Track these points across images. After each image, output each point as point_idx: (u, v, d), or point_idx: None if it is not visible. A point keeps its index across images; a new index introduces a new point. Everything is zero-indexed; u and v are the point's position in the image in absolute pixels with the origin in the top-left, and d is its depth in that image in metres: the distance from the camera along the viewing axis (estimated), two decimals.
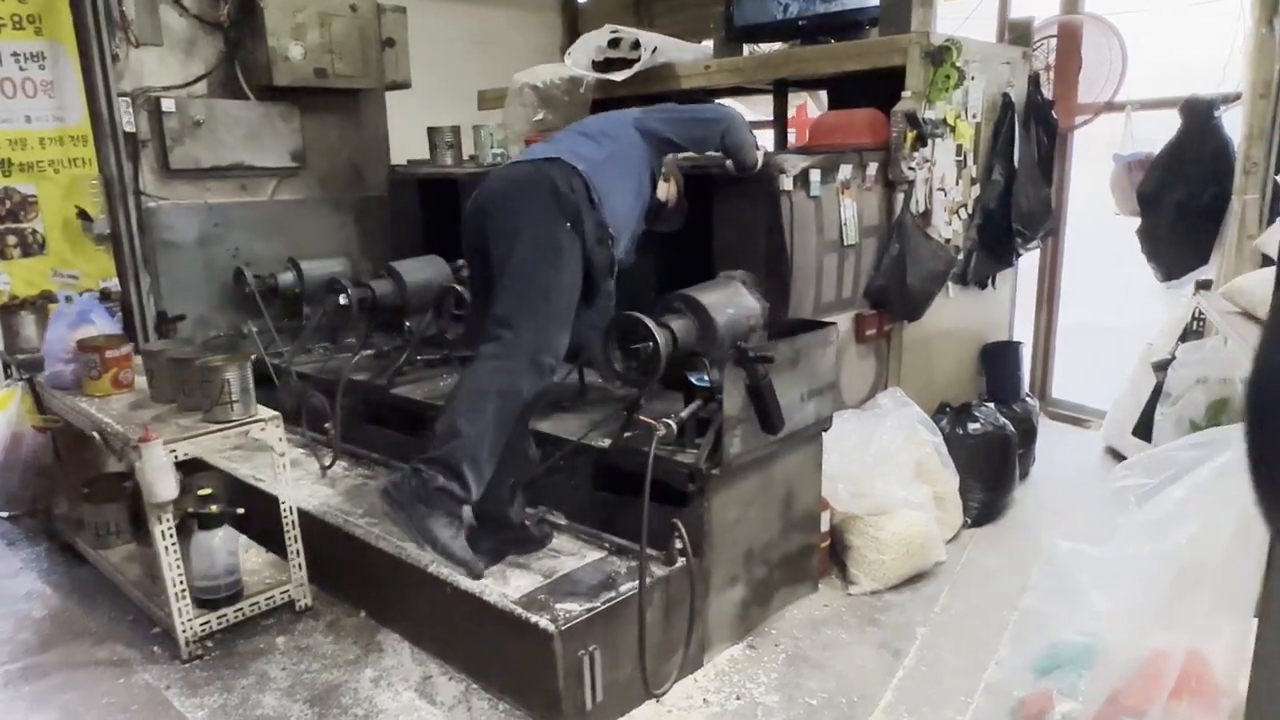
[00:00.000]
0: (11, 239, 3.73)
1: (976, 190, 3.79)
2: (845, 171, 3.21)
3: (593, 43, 4.36)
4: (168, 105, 3.87)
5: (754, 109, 5.37)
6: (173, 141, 3.91)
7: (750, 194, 3.00)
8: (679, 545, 2.48)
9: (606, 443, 2.70)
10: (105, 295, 3.80)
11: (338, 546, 2.96)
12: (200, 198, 4.10)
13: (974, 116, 3.68)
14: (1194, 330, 3.70)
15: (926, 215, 3.49)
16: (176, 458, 2.56)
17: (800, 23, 3.75)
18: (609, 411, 2.95)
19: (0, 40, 3.60)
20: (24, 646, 2.84)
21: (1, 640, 2.87)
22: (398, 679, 2.60)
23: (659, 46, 4.15)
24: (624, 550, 2.64)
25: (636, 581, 2.46)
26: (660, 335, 2.39)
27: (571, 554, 2.68)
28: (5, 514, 3.70)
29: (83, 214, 3.77)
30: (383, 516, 2.46)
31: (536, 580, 2.51)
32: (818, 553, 3.09)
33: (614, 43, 4.31)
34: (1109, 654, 1.48)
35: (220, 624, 2.78)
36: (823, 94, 4.76)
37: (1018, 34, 4.05)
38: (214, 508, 2.76)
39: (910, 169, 3.32)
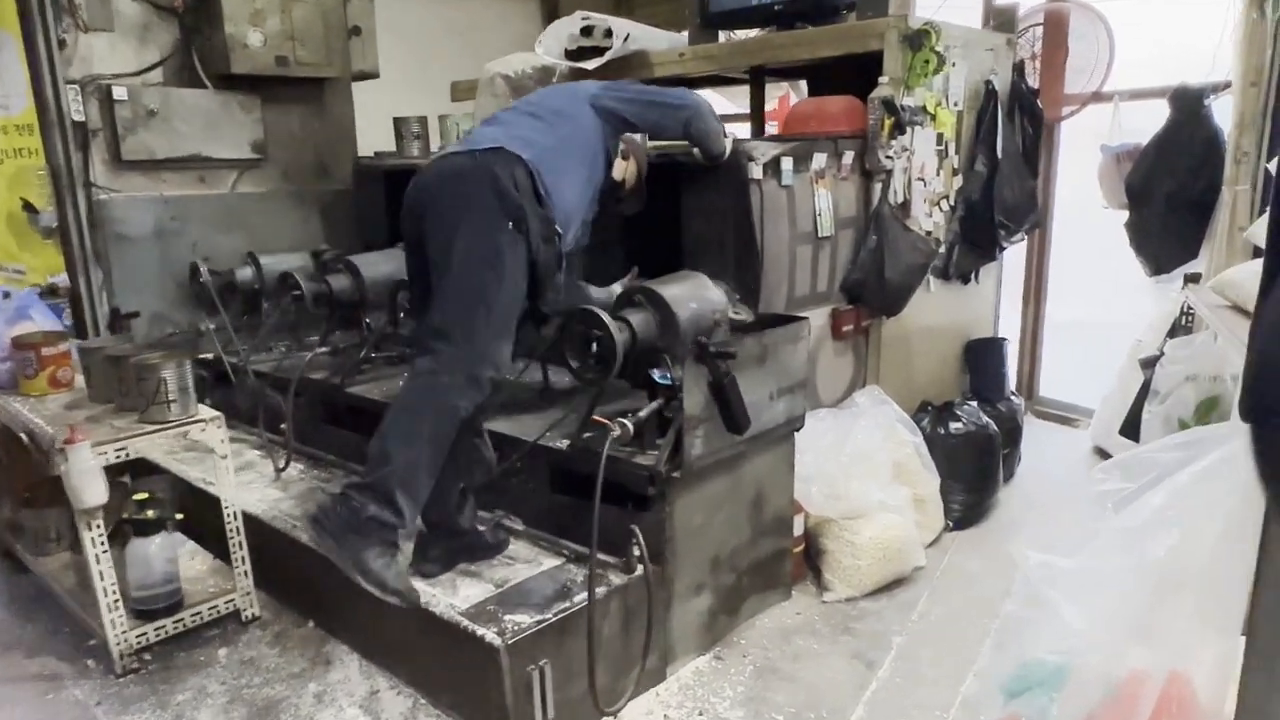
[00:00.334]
0: None
1: (959, 181, 3.66)
2: (819, 160, 3.07)
3: (565, 30, 4.22)
4: (119, 93, 3.71)
5: (734, 100, 5.24)
6: (125, 131, 3.75)
7: (718, 183, 2.87)
8: (636, 552, 2.34)
9: (565, 444, 2.56)
10: (53, 291, 3.65)
11: (286, 553, 2.82)
12: (156, 190, 3.95)
13: (955, 105, 3.55)
14: (1183, 326, 3.57)
15: (905, 206, 3.36)
16: (107, 460, 2.42)
17: (776, 7, 3.61)
18: (571, 410, 2.81)
19: None
20: None
21: None
22: (342, 694, 2.46)
23: (632, 34, 4.01)
24: (582, 557, 2.49)
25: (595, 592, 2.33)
26: (616, 330, 2.25)
27: (527, 561, 2.54)
28: None
29: (28, 206, 3.63)
30: (312, 545, 2.25)
31: (487, 590, 2.37)
32: (790, 558, 2.96)
33: (586, 30, 4.17)
34: (1082, 675, 1.36)
35: (158, 636, 2.63)
36: (804, 84, 4.62)
37: (1002, 20, 3.92)
38: (151, 513, 2.62)
39: (888, 158, 3.19)
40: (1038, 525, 1.58)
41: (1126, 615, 1.30)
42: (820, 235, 3.12)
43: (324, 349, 3.37)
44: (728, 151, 2.77)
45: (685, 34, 4.35)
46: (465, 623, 2.19)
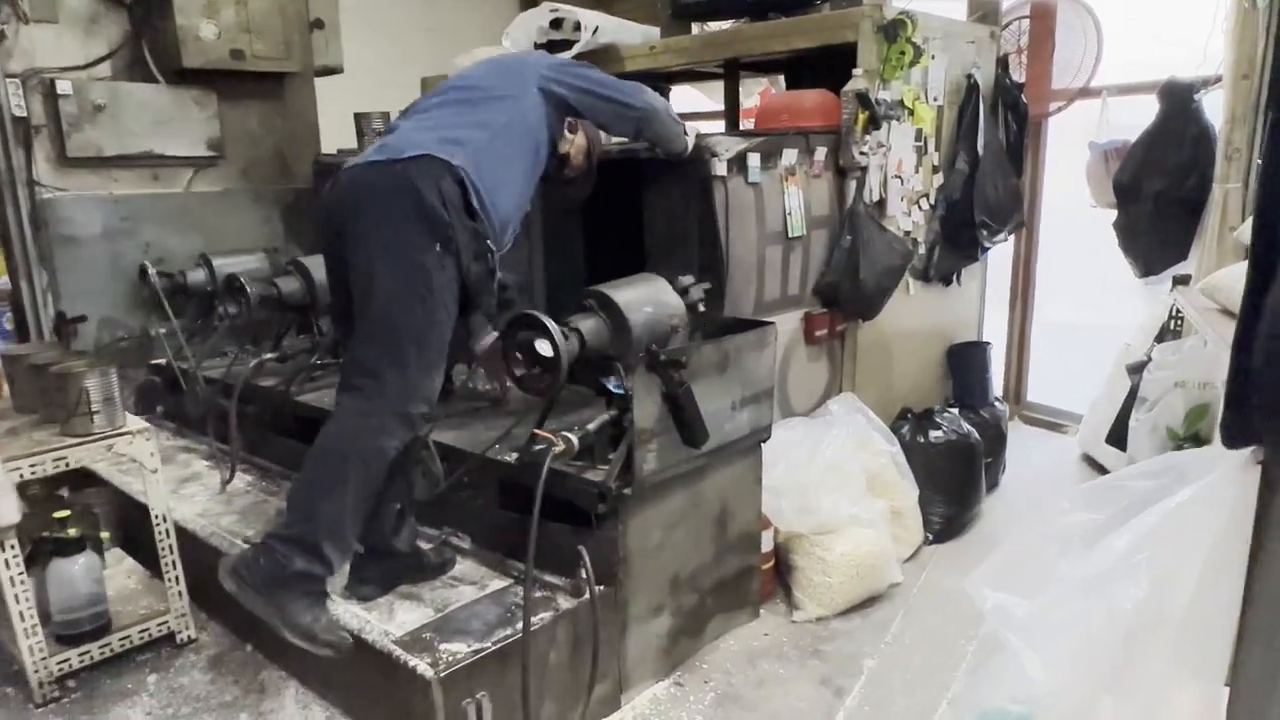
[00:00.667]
0: None
1: (939, 179, 3.51)
2: (789, 156, 2.92)
3: (533, 23, 4.06)
4: (64, 88, 3.56)
5: (713, 96, 5.09)
6: (70, 127, 3.60)
7: (681, 181, 2.72)
8: (584, 574, 2.19)
9: (513, 457, 2.41)
10: None
11: None
12: (105, 188, 3.79)
13: (935, 99, 3.40)
14: (1172, 330, 3.43)
15: (882, 205, 3.21)
16: (22, 476, 2.26)
17: None
18: (525, 420, 2.65)
19: None
20: None
21: None
22: None
23: (601, 26, 3.86)
24: (533, 579, 2.35)
25: (540, 617, 2.18)
26: (561, 337, 2.10)
27: (472, 583, 2.39)
28: None
29: None
30: (234, 596, 2.07)
31: (426, 615, 2.22)
32: (758, 576, 2.81)
33: (556, 23, 4.02)
34: None
35: (83, 662, 2.47)
36: (782, 79, 4.47)
37: (985, 11, 3.77)
38: (73, 531, 2.46)
39: (862, 154, 3.04)
40: (1019, 539, 1.46)
41: (1094, 664, 1.16)
42: (791, 235, 2.97)
43: (271, 355, 3.20)
44: (690, 148, 2.62)
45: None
46: (398, 652, 2.04)
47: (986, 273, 4.09)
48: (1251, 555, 0.96)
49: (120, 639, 2.54)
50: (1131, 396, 3.35)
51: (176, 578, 2.62)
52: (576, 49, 3.82)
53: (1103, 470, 3.91)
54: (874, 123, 3.01)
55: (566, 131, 2.41)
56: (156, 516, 2.56)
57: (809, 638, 2.72)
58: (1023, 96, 3.78)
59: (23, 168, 3.49)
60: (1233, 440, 1.03)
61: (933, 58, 3.30)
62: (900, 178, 3.25)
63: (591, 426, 2.21)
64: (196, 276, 3.73)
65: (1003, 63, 3.76)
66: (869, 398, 3.30)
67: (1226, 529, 1.01)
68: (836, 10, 3.18)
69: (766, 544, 2.84)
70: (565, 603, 2.24)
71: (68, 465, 2.35)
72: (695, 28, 3.96)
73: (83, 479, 3.18)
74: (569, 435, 2.14)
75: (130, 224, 3.85)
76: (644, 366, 2.12)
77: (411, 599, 2.31)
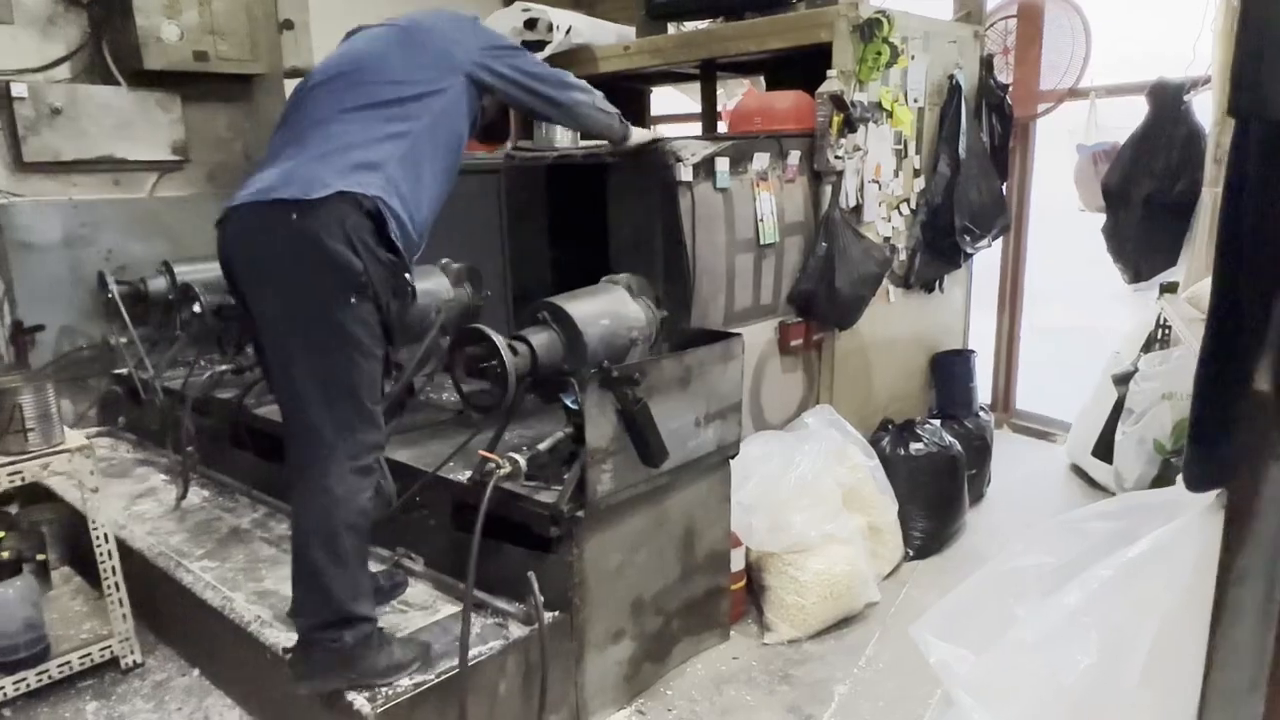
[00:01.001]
0: None
1: (920, 183, 3.41)
2: (761, 160, 2.82)
3: (507, 23, 3.95)
4: (19, 90, 3.45)
5: (694, 98, 4.97)
6: (26, 131, 3.49)
7: (645, 186, 2.62)
8: (536, 601, 2.08)
9: (465, 476, 2.30)
10: None
11: (169, 594, 2.57)
12: (64, 194, 3.69)
13: (915, 101, 3.30)
14: (1159, 339, 3.32)
15: (859, 210, 3.11)
16: None
17: None
18: (482, 437, 2.55)
19: None
20: None
21: None
22: None
23: (574, 27, 3.76)
24: (484, 605, 2.25)
25: (490, 645, 2.08)
26: (509, 352, 2.00)
27: (423, 608, 2.29)
28: None
29: None
30: (320, 696, 1.96)
31: None
32: (728, 596, 2.70)
33: (530, 23, 3.92)
34: None
35: (18, 690, 2.37)
36: (764, 81, 4.36)
37: (968, 11, 3.66)
38: (5, 554, 2.36)
39: (838, 158, 2.94)
40: (970, 584, 1.37)
41: None
42: (763, 242, 2.87)
43: (226, 366, 3.10)
44: (632, 136, 2.52)
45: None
46: (303, 689, 1.93)
47: (972, 279, 3.98)
48: (1215, 613, 0.86)
49: (60, 665, 2.44)
50: (1118, 408, 3.24)
51: (120, 600, 2.52)
52: (549, 50, 3.72)
53: (1091, 482, 3.81)
54: (850, 125, 2.90)
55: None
56: (98, 537, 2.46)
57: (780, 661, 2.62)
58: (1008, 98, 3.68)
59: None
60: (1197, 481, 0.93)
61: (912, 58, 3.20)
62: (878, 182, 3.15)
63: (543, 446, 2.11)
64: (158, 284, 3.62)
65: (987, 63, 3.66)
66: (848, 409, 3.20)
67: (1187, 584, 0.91)
68: (812, 9, 3.07)
69: (737, 563, 2.73)
70: (517, 630, 2.14)
71: None
72: (672, 29, 3.85)
73: (35, 495, 3.08)
74: (515, 456, 2.03)
75: (90, 230, 3.74)
76: (596, 383, 2.02)
77: None
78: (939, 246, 3.43)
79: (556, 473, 2.20)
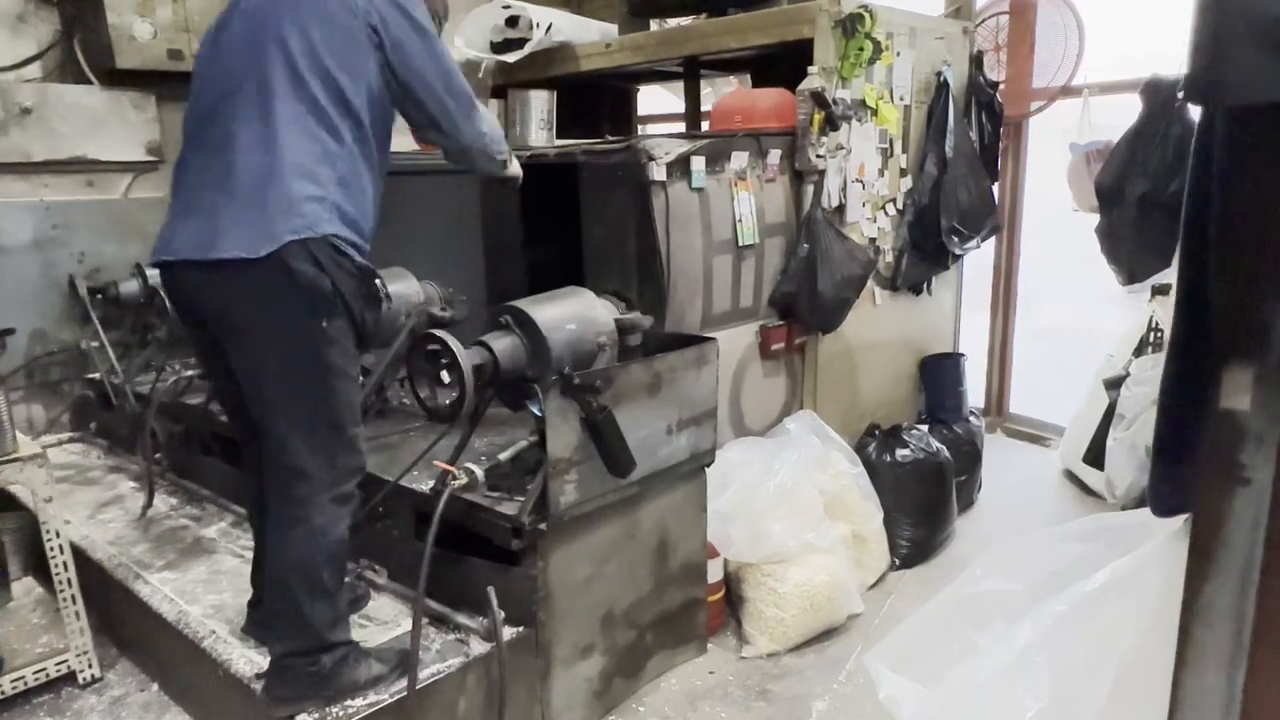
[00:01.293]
0: None
1: (907, 183, 3.33)
2: (739, 160, 2.74)
3: (488, 21, 3.89)
4: None
5: (682, 96, 4.90)
6: None
7: (618, 187, 2.54)
8: (495, 616, 2.00)
9: (427, 486, 2.23)
10: None
11: (128, 607, 2.50)
12: (35, 195, 3.62)
13: (901, 98, 3.22)
14: (1151, 342, 3.23)
15: (841, 211, 3.03)
16: None
17: None
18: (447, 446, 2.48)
19: None
20: None
21: None
22: None
23: (555, 24, 3.69)
24: (445, 620, 2.17)
25: (448, 663, 2.00)
26: (465, 360, 1.92)
27: (384, 622, 2.21)
28: None
29: None
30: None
31: None
32: (705, 608, 2.62)
33: (511, 21, 3.84)
34: None
35: None
36: (750, 78, 4.29)
37: (958, 6, 3.58)
38: None
39: (819, 157, 2.86)
40: (927, 610, 1.29)
41: None
42: (742, 244, 2.79)
43: (194, 371, 3.03)
44: (515, 175, 2.17)
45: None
46: (281, 711, 1.86)
47: (962, 281, 3.90)
48: (1179, 653, 0.78)
49: (13, 680, 2.36)
50: (1110, 413, 3.15)
51: (77, 613, 2.44)
52: (529, 47, 3.66)
53: (1084, 488, 3.73)
54: (831, 123, 2.82)
55: None
56: (52, 548, 2.38)
57: (757, 676, 2.54)
58: (997, 95, 3.60)
59: None
60: (1163, 504, 0.85)
61: (897, 54, 3.12)
62: (862, 182, 3.07)
63: (504, 456, 2.03)
64: (130, 287, 3.55)
65: (976, 60, 3.58)
66: (832, 414, 3.12)
67: (1149, 621, 0.83)
68: (794, 4, 3.00)
69: (715, 574, 2.65)
70: (478, 647, 2.06)
71: None
72: (656, 26, 3.78)
73: (4, 503, 3.01)
74: (472, 467, 1.96)
75: (62, 232, 3.68)
76: (558, 390, 1.94)
77: None
78: (926, 248, 3.35)
79: (521, 483, 2.13)
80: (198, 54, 1.94)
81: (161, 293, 3.20)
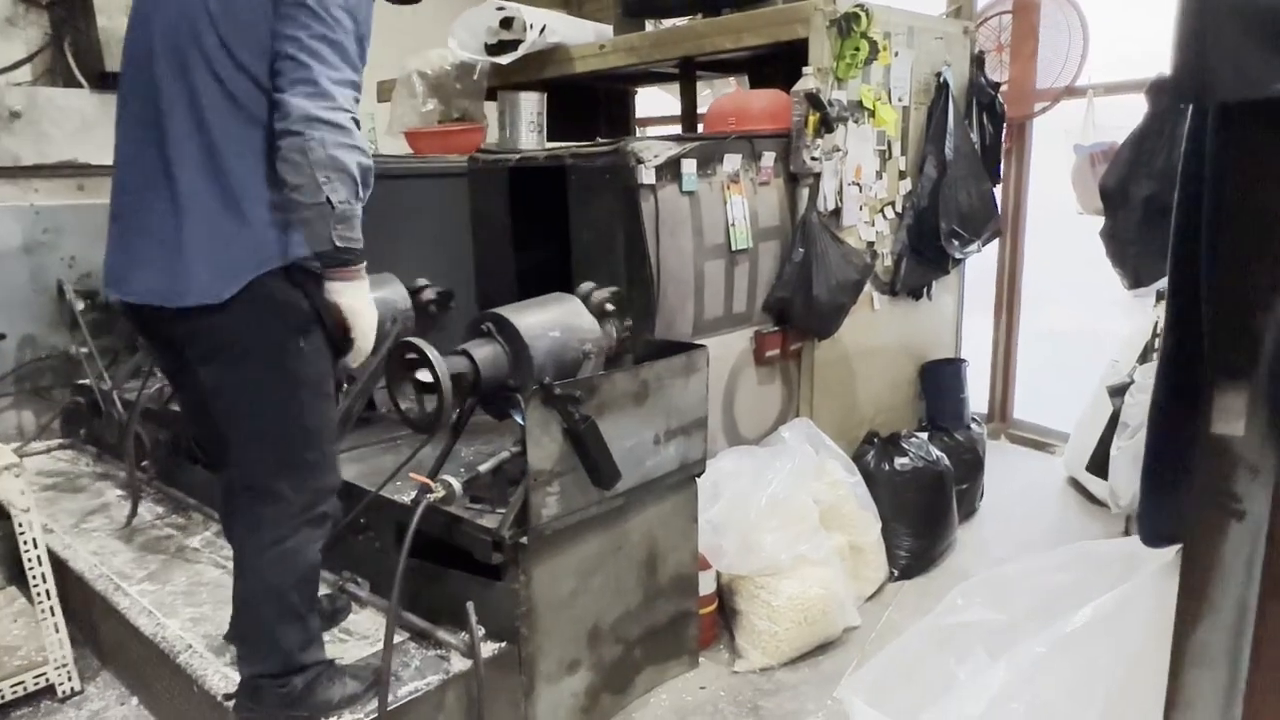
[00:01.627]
0: None
1: (907, 185, 3.26)
2: (732, 162, 2.69)
3: (482, 23, 3.84)
4: None
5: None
6: None
7: (607, 190, 2.48)
8: (473, 633, 1.95)
9: (409, 498, 2.18)
10: None
11: (107, 618, 2.45)
12: (25, 199, 3.59)
13: (900, 99, 3.16)
14: (1155, 348, 3.15)
15: (838, 214, 2.96)
16: None
17: None
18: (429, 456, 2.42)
19: None
20: None
21: None
22: None
23: (549, 25, 3.63)
24: (425, 635, 2.12)
25: (427, 680, 1.95)
26: (443, 369, 1.87)
27: (364, 637, 2.16)
28: None
29: None
30: None
31: None
32: (696, 621, 2.56)
33: (506, 22, 3.80)
34: None
35: None
36: (748, 80, 4.23)
37: (958, 6, 3.52)
38: None
39: (814, 159, 2.80)
40: (906, 641, 1.24)
41: None
42: (735, 248, 2.73)
43: None
44: (337, 204, 1.58)
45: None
46: None
47: (964, 285, 3.83)
48: (1168, 699, 0.72)
49: None
50: (1114, 420, 3.08)
51: (56, 625, 2.40)
52: (523, 49, 3.60)
53: (1089, 496, 3.65)
54: (826, 125, 2.76)
55: None
56: (30, 559, 2.34)
57: (750, 691, 2.48)
58: (999, 96, 3.53)
59: None
60: (1153, 535, 0.79)
61: (895, 55, 3.06)
62: (859, 184, 3.01)
63: (484, 467, 1.98)
64: None
65: (978, 61, 3.52)
66: (829, 422, 3.06)
67: (1135, 664, 0.77)
68: (789, 4, 2.94)
69: (707, 586, 2.60)
70: (459, 663, 2.01)
71: None
72: (651, 27, 3.72)
73: None
74: (450, 480, 1.90)
75: (52, 236, 3.65)
76: (539, 400, 1.88)
77: None
78: (926, 252, 3.29)
79: (504, 494, 2.07)
80: (125, 44, 1.75)
81: None
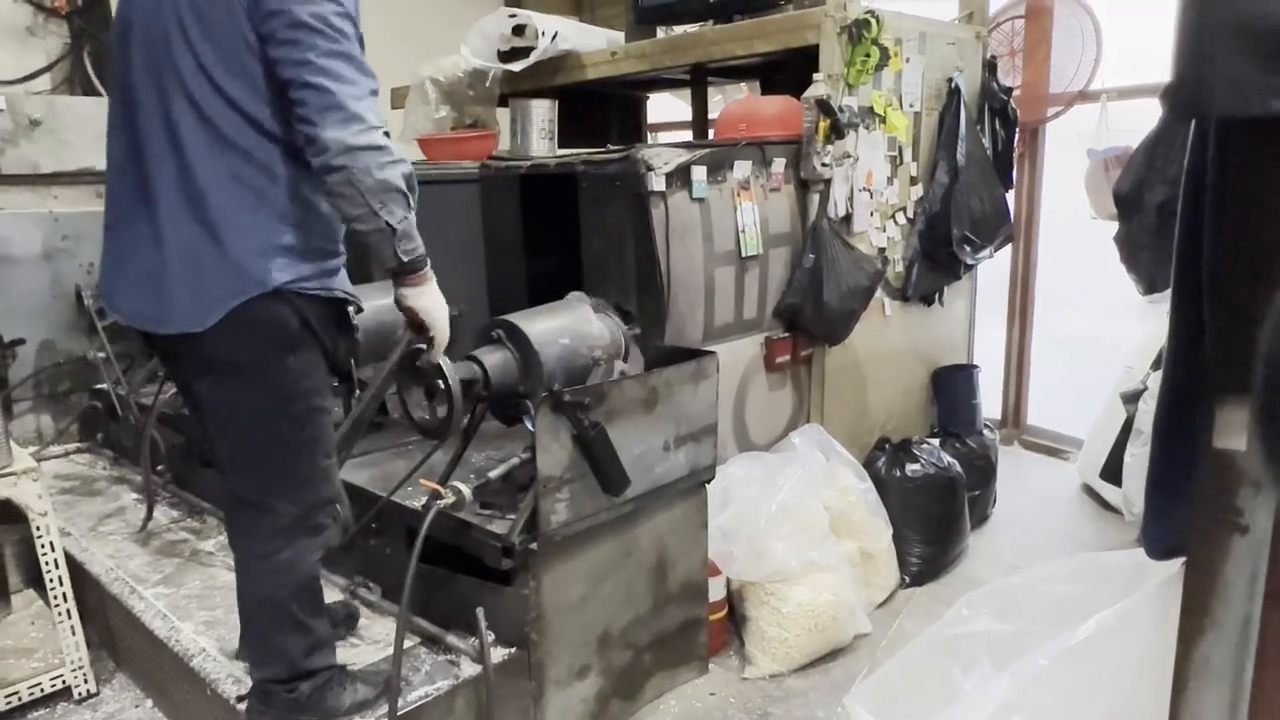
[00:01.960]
0: None
1: (918, 191, 3.26)
2: (742, 169, 2.69)
3: (494, 30, 3.87)
4: None
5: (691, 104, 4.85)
6: (4, 143, 3.45)
7: (617, 197, 2.49)
8: (489, 639, 1.96)
9: (419, 504, 2.19)
10: None
11: (122, 622, 2.48)
12: (45, 206, 3.64)
13: (911, 105, 3.15)
14: None
15: (849, 220, 2.96)
16: None
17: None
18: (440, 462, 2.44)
19: None
20: None
21: None
22: None
23: (561, 32, 3.65)
24: (436, 640, 2.13)
25: (437, 686, 1.96)
26: (452, 376, 1.88)
27: (374, 642, 2.18)
28: None
29: None
30: None
31: None
32: (706, 628, 2.56)
33: (518, 30, 3.82)
34: None
35: None
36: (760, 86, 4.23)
37: (970, 11, 3.51)
38: None
39: (825, 165, 2.80)
40: (911, 651, 1.23)
41: None
42: (745, 255, 2.73)
43: None
44: (403, 254, 1.63)
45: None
46: None
47: (976, 291, 3.81)
48: (1171, 712, 0.72)
49: (7, 696, 2.35)
50: (1127, 427, 3.06)
51: (73, 627, 2.43)
52: (535, 56, 3.62)
53: (1103, 503, 3.63)
54: (837, 131, 2.76)
55: None
56: (47, 562, 2.37)
57: (759, 698, 2.47)
58: (1012, 102, 3.52)
59: None
60: (1157, 547, 0.79)
61: (907, 61, 3.05)
62: (870, 190, 3.00)
63: (494, 474, 1.99)
64: None
65: (990, 66, 3.50)
66: (839, 428, 3.05)
67: (1136, 680, 0.77)
68: (799, 10, 2.94)
69: (717, 592, 2.60)
70: (469, 669, 2.02)
71: None
72: (662, 33, 3.73)
73: (2, 514, 3.02)
74: (460, 486, 1.92)
75: (72, 243, 3.69)
76: (548, 407, 1.89)
77: None
78: (937, 257, 3.28)
79: (514, 500, 2.08)
80: (111, 45, 1.74)
81: None
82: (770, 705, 2.44)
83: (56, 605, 2.40)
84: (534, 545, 1.97)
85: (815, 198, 2.86)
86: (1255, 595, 0.67)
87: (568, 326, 2.11)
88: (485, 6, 6.28)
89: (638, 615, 2.35)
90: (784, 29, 2.90)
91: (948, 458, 3.15)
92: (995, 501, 3.60)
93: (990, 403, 4.08)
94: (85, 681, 2.47)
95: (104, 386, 3.59)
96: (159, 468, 3.14)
